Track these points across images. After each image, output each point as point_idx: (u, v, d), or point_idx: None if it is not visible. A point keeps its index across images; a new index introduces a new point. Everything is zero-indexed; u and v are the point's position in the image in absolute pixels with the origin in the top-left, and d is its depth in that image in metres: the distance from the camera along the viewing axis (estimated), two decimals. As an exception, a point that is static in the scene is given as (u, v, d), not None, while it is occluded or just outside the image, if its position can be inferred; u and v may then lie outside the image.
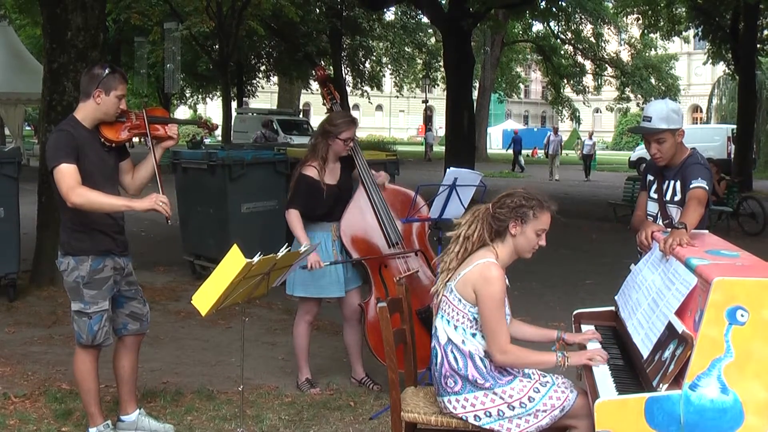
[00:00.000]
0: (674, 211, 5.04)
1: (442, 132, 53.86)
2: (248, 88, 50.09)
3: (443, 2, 26.54)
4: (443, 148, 29.44)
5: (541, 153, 55.75)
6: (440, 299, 4.21)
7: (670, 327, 3.56)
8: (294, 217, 6.10)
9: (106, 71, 4.93)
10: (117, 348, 5.31)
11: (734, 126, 31.03)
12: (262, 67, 49.40)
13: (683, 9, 31.37)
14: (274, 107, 52.75)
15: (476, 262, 4.07)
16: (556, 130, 37.98)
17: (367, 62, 50.16)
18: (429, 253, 6.51)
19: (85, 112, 4.97)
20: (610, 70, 50.74)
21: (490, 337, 4.00)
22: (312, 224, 6.21)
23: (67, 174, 4.75)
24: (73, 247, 4.92)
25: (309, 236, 6.15)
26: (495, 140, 70.56)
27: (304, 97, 66.35)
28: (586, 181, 34.03)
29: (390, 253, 6.35)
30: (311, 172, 6.16)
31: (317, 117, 73.69)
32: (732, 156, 30.18)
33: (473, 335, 4.08)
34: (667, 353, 3.45)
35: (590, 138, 38.22)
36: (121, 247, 5.13)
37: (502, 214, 4.12)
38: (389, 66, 52.03)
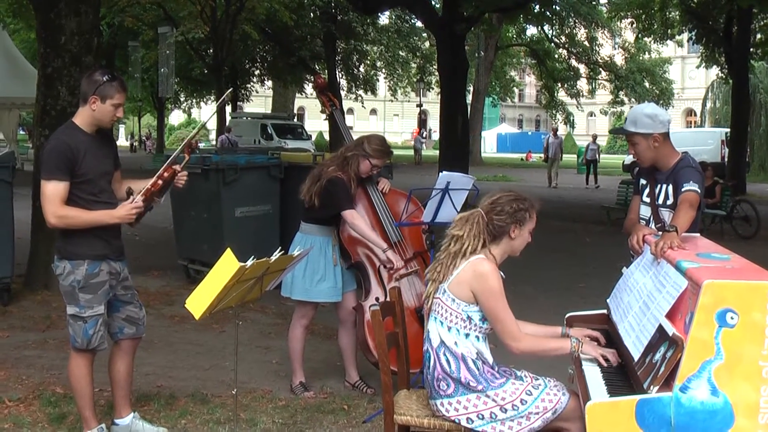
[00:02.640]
0: (666, 215, 5.06)
1: (435, 136, 53.80)
2: (242, 92, 50.11)
3: (437, 6, 26.57)
4: (432, 152, 29.27)
5: (534, 157, 55.86)
6: (432, 302, 4.23)
7: (660, 329, 3.58)
8: (359, 218, 6.12)
9: (105, 78, 4.92)
10: (113, 352, 5.32)
11: (728, 129, 31.10)
12: (257, 72, 49.46)
13: (677, 13, 31.49)
14: (269, 111, 52.78)
15: (467, 260, 4.10)
16: (555, 132, 34.84)
17: (361, 66, 50.24)
18: (426, 254, 6.53)
19: (83, 117, 4.98)
20: (604, 74, 50.84)
21: (500, 328, 4.05)
22: (313, 227, 6.23)
23: (52, 195, 4.82)
24: (69, 252, 4.93)
25: (308, 240, 6.16)
26: (489, 144, 70.70)
27: (299, 101, 66.36)
28: (597, 187, 31.42)
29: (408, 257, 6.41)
30: (344, 177, 6.17)
31: (312, 121, 73.93)
32: (726, 159, 30.23)
33: (467, 336, 4.10)
34: (658, 355, 3.47)
35: (594, 141, 34.90)
36: (117, 251, 5.14)
37: (502, 220, 4.16)
38: (383, 70, 52.10)
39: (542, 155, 37.72)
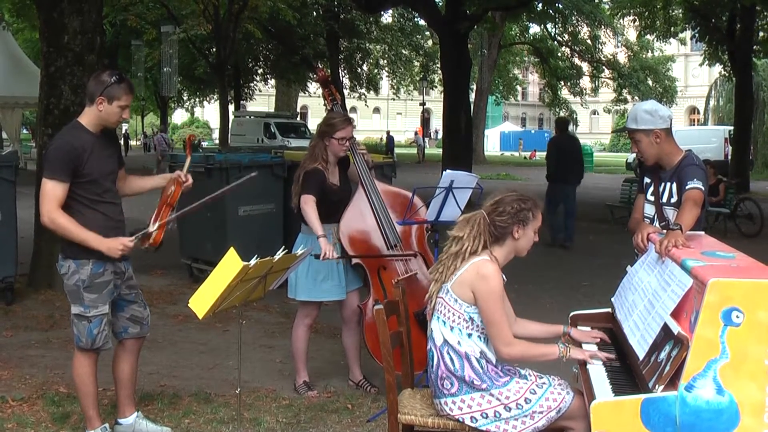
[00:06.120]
0: (671, 213, 5.05)
1: (440, 135, 54.29)
2: (246, 91, 50.15)
3: (440, 4, 26.56)
4: (436, 150, 28.86)
5: (540, 155, 55.74)
6: (435, 302, 4.22)
7: (665, 328, 3.57)
8: (311, 203, 5.98)
9: (113, 80, 4.93)
10: (117, 351, 5.32)
11: (731, 127, 31.05)
12: (260, 70, 49.48)
13: (679, 11, 31.44)
14: (272, 110, 52.80)
15: (470, 261, 4.09)
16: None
17: (364, 65, 50.27)
18: (428, 255, 6.50)
19: (89, 117, 4.99)
20: (607, 72, 50.82)
21: (494, 332, 4.03)
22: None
23: (52, 194, 4.83)
24: (74, 251, 4.93)
25: (309, 240, 6.13)
26: (492, 142, 70.67)
27: (302, 100, 66.41)
28: None
29: (390, 254, 6.35)
30: (319, 167, 6.14)
31: (315, 120, 73.74)
32: (729, 157, 30.18)
33: (469, 336, 4.09)
34: (663, 354, 3.46)
35: None
36: (122, 251, 5.14)
37: (503, 221, 4.15)
38: (386, 68, 52.09)
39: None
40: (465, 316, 4.08)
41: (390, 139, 49.53)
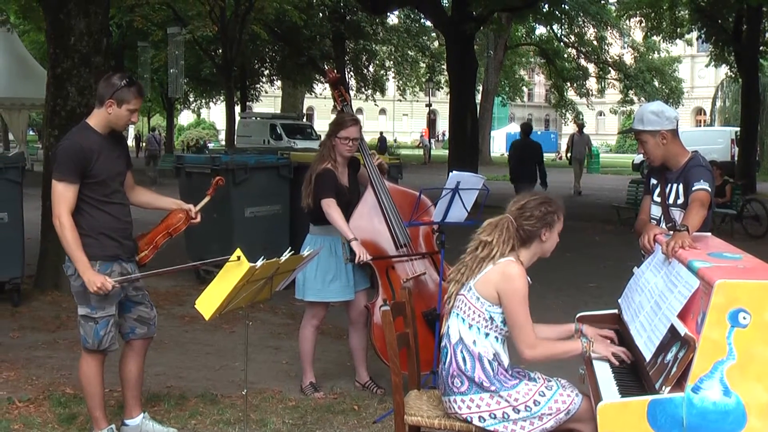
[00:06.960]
0: (677, 215, 5.04)
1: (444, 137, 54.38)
2: (252, 92, 50.09)
3: (446, 5, 26.54)
4: (442, 151, 28.91)
5: (545, 156, 55.66)
6: (455, 300, 4.23)
7: (672, 329, 3.56)
8: (334, 207, 5.98)
9: (123, 83, 4.94)
10: (124, 352, 5.33)
11: (738, 128, 30.97)
12: (266, 72, 49.42)
13: (686, 11, 31.37)
14: (278, 111, 52.82)
15: (496, 261, 4.11)
16: (581, 128, 29.68)
17: (370, 66, 50.19)
18: (437, 255, 6.50)
19: (98, 119, 5.01)
20: (613, 73, 50.66)
21: (517, 334, 4.05)
22: (322, 225, 6.19)
23: (63, 196, 4.85)
24: (81, 252, 4.94)
25: (318, 241, 6.13)
26: (498, 144, 70.67)
27: (308, 101, 66.37)
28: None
29: (408, 254, 6.36)
30: (330, 167, 6.15)
31: (321, 121, 74.03)
32: (736, 158, 30.11)
33: (486, 335, 4.10)
34: (670, 356, 3.45)
35: None
36: (128, 252, 5.15)
37: (531, 225, 4.18)
38: (392, 70, 52.05)
39: (558, 153, 35.84)
40: (485, 315, 4.09)
41: (382, 140, 50.45)
